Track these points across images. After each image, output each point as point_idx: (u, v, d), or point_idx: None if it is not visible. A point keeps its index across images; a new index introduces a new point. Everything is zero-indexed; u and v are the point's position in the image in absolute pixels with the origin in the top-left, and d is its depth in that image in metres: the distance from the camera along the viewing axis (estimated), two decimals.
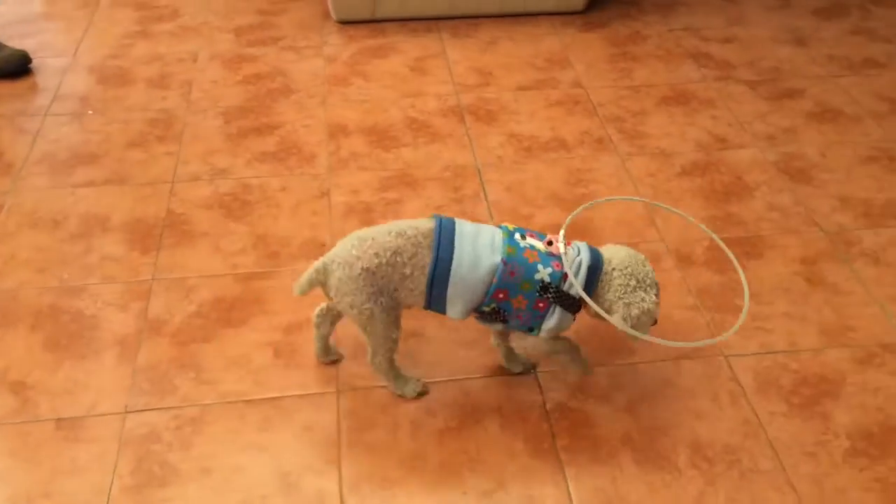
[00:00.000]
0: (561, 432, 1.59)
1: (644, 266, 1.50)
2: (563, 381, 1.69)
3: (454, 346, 1.76)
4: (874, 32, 2.96)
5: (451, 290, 1.48)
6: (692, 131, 2.46)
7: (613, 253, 1.51)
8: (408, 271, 1.47)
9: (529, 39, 2.92)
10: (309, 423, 1.60)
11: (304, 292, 1.55)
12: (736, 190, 2.22)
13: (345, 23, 3.01)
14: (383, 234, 1.48)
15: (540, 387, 1.68)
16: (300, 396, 1.66)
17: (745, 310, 1.48)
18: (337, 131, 2.45)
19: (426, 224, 1.50)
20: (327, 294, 1.55)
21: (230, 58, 2.82)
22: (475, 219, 2.10)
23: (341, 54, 2.84)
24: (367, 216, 2.11)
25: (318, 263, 1.52)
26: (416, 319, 1.82)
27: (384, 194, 2.19)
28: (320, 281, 1.53)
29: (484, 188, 2.22)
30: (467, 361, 1.73)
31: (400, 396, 1.66)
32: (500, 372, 1.71)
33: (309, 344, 1.75)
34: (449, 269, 1.46)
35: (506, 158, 2.34)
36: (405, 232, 1.48)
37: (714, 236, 1.65)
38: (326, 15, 3.07)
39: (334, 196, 2.19)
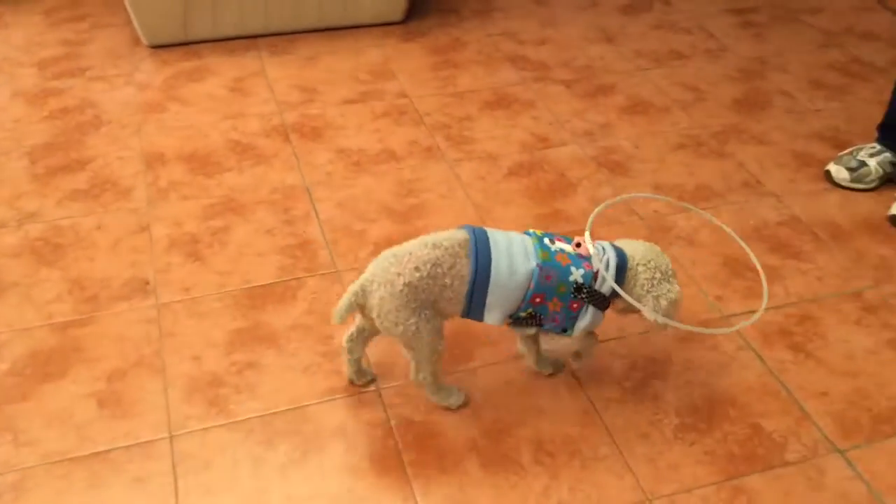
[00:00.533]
0: (407, 447, 1.58)
1: (663, 258, 1.56)
2: (406, 396, 1.68)
3: (293, 373, 1.72)
4: (676, 25, 3.15)
5: (491, 298, 1.50)
6: (516, 133, 2.53)
7: (634, 248, 1.56)
8: (448, 281, 1.48)
9: (351, 52, 2.90)
10: (141, 473, 1.51)
11: (343, 319, 1.52)
12: (560, 187, 2.30)
13: (156, 47, 2.88)
14: (420, 248, 1.49)
15: (383, 403, 1.66)
16: (130, 447, 1.56)
17: (764, 299, 1.56)
18: (154, 161, 2.34)
19: (459, 234, 1.52)
20: (367, 316, 1.53)
21: (34, 93, 2.64)
22: (307, 240, 2.07)
23: (154, 80, 2.72)
24: (192, 247, 2.03)
25: (354, 287, 1.51)
26: (251, 351, 1.76)
27: (210, 223, 2.11)
28: (359, 304, 1.51)
29: (315, 207, 2.18)
30: (307, 387, 1.69)
31: (446, 408, 1.64)
32: (343, 393, 1.68)
33: (135, 390, 1.65)
34: (488, 277, 1.48)
35: (335, 175, 2.31)
36: (441, 243, 1.49)
37: (734, 235, 1.68)
38: (136, 40, 2.93)
39: (155, 230, 2.09)
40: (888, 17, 3.23)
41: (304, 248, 2.05)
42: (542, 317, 1.53)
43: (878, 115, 2.50)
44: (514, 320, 1.56)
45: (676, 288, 1.54)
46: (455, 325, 1.83)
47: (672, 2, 3.32)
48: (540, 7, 3.28)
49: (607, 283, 1.51)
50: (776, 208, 2.22)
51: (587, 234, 1.54)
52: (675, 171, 2.36)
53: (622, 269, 1.52)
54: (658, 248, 1.58)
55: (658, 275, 1.53)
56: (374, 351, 1.74)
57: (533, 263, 1.49)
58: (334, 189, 2.25)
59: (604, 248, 1.54)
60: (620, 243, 1.58)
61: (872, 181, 2.26)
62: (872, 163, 2.27)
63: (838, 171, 2.29)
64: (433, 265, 1.47)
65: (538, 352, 1.71)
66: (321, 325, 1.83)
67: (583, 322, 1.54)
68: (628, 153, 2.44)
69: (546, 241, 1.54)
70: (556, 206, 2.22)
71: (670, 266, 1.56)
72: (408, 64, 2.85)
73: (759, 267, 1.62)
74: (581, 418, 1.64)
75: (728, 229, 1.71)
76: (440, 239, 1.50)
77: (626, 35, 3.08)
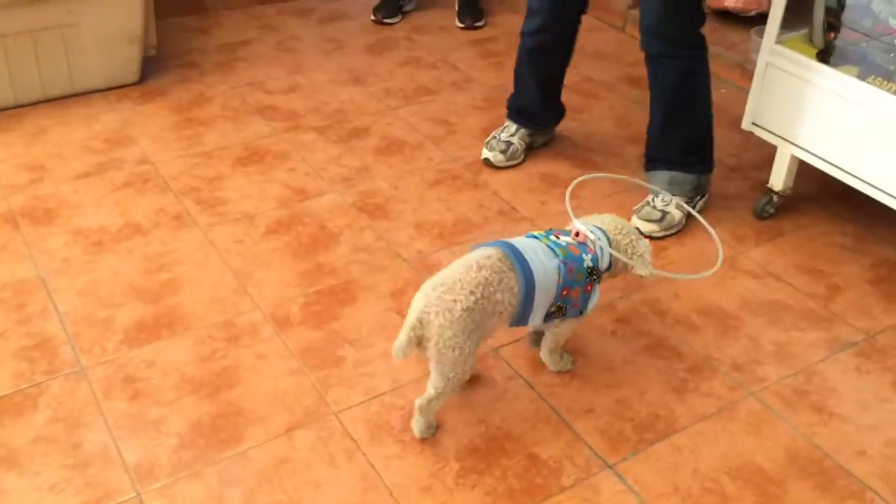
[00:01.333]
0: None
1: (623, 221, 1.78)
2: (168, 498, 1.54)
3: (38, 494, 1.53)
4: (422, 61, 3.21)
5: (537, 301, 1.63)
6: (271, 188, 2.45)
7: (603, 222, 1.76)
8: (500, 297, 1.58)
9: (83, 121, 2.69)
10: None
11: (406, 355, 1.54)
12: (322, 239, 2.25)
13: None
14: (466, 272, 1.57)
15: None
16: None
17: (719, 255, 1.76)
18: None
19: (492, 251, 1.62)
20: (423, 347, 1.56)
21: None
22: (45, 338, 1.87)
23: None
24: None
25: (410, 321, 1.54)
26: None
27: None
28: (417, 336, 1.54)
29: (52, 299, 1.98)
30: None
31: (421, 438, 1.67)
32: None
33: None
34: (535, 283, 1.61)
35: (73, 260, 2.11)
36: (483, 264, 1.59)
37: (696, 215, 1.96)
38: None
39: None
40: (614, 34, 3.48)
41: (43, 348, 1.85)
42: (567, 307, 1.69)
43: (612, 129, 2.67)
44: (546, 317, 1.68)
45: (645, 241, 1.77)
46: (220, 406, 1.72)
47: (415, 38, 3.39)
48: (285, 54, 3.22)
49: (605, 259, 1.71)
50: None
51: (576, 222, 1.72)
52: (434, 208, 2.39)
53: (609, 243, 1.72)
54: (615, 216, 1.79)
55: (632, 236, 1.75)
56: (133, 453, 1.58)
57: (557, 260, 1.65)
58: (73, 276, 2.06)
59: (591, 231, 1.71)
60: (589, 220, 1.76)
61: (520, 154, 2.60)
62: (516, 140, 2.59)
63: (495, 156, 2.56)
64: (485, 286, 1.57)
65: (550, 350, 1.81)
66: (68, 434, 1.65)
67: (593, 300, 1.72)
68: (388, 195, 2.44)
69: (552, 237, 1.70)
70: (319, 260, 2.16)
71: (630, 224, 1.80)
72: (148, 127, 2.69)
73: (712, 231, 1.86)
74: (362, 484, 1.59)
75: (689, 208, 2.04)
76: (478, 259, 1.60)
77: (375, 75, 3.09)
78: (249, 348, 1.89)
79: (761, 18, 2.13)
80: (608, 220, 1.77)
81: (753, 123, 2.31)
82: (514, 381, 1.83)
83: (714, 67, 3.06)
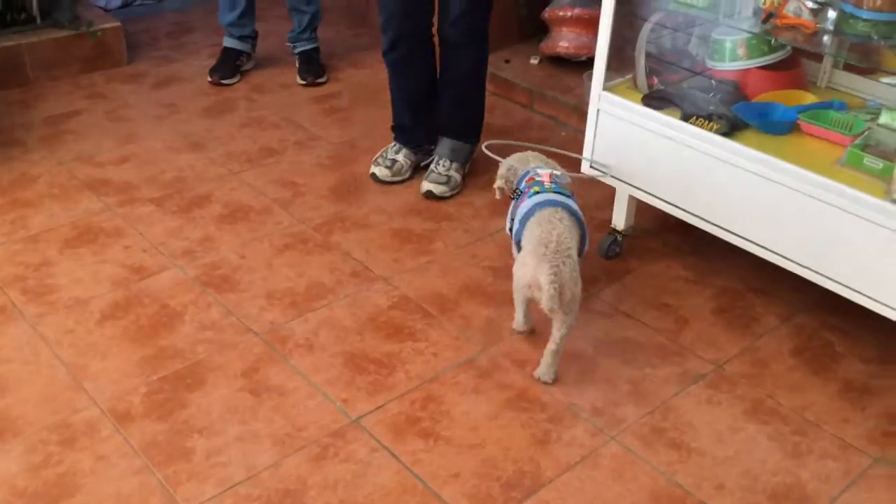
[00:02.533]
0: None
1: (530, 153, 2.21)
2: None
3: None
4: (264, 121, 3.13)
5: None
6: (106, 269, 2.29)
7: (535, 159, 2.18)
8: (572, 243, 1.91)
9: None
10: None
11: (527, 323, 2.07)
12: (164, 320, 2.11)
13: None
14: (554, 229, 1.88)
15: None
16: None
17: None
18: None
19: (552, 209, 1.93)
20: (549, 301, 1.79)
21: None
22: None
23: None
24: None
25: (546, 284, 1.79)
26: None
27: None
28: (559, 287, 1.80)
29: None
30: None
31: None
32: None
33: None
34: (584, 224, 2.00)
35: None
36: (561, 217, 1.92)
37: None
38: None
39: None
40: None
41: None
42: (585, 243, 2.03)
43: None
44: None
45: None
46: None
47: (256, 98, 3.31)
48: (115, 122, 3.06)
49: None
50: (386, 292, 2.25)
51: (539, 169, 2.08)
52: (285, 275, 2.30)
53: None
54: (526, 153, 2.21)
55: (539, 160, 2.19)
56: None
57: (573, 203, 2.01)
58: None
59: (553, 170, 2.09)
60: (518, 161, 2.17)
61: (406, 171, 2.75)
62: (400, 157, 2.75)
63: (381, 171, 2.73)
64: (570, 235, 1.89)
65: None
66: None
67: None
68: (234, 265, 2.34)
69: (548, 186, 2.02)
70: (161, 344, 2.03)
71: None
72: None
73: None
74: None
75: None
76: (553, 219, 1.90)
77: (214, 139, 2.98)
78: (87, 450, 1.74)
79: (592, 63, 2.28)
80: (532, 157, 2.17)
81: (591, 166, 2.37)
82: (377, 452, 1.76)
83: (552, 111, 3.18)
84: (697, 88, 2.27)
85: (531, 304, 1.99)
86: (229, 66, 3.40)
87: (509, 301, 2.06)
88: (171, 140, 2.96)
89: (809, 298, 2.20)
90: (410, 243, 2.46)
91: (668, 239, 2.48)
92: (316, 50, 3.49)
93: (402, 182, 2.73)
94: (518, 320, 2.06)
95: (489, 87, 3.39)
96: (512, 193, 2.13)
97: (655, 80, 2.28)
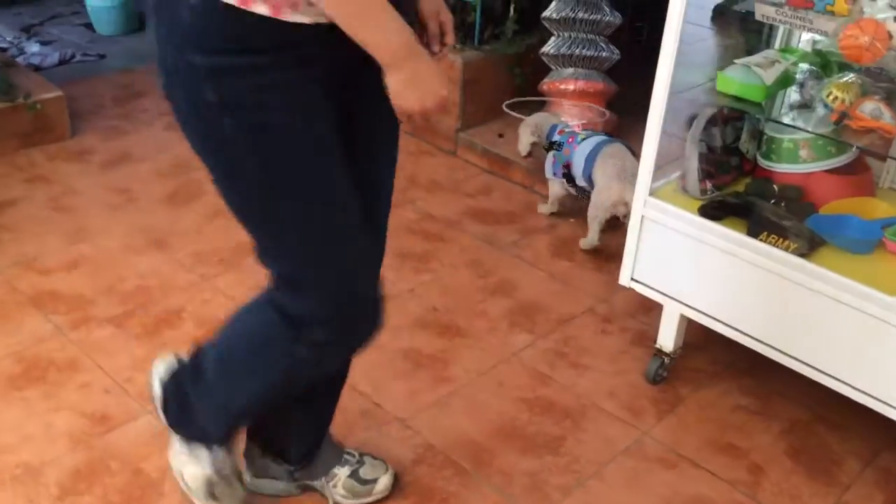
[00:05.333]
0: None
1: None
2: None
3: None
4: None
5: None
6: (61, 420, 1.87)
7: (547, 118, 2.75)
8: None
9: None
10: None
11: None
12: (136, 492, 1.71)
13: None
14: (626, 157, 2.44)
15: None
16: None
17: None
18: None
19: (613, 144, 2.49)
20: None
21: None
22: None
23: None
24: None
25: (620, 209, 2.39)
26: None
27: None
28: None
29: None
30: None
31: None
32: None
33: None
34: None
35: None
36: (624, 148, 2.48)
37: None
38: None
39: None
40: (445, 158, 3.19)
41: None
42: None
43: (469, 279, 2.35)
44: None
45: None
46: None
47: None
48: (60, 214, 2.62)
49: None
50: (405, 439, 1.89)
51: (562, 123, 2.67)
52: None
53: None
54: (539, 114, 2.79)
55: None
56: None
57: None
58: None
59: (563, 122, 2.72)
60: (548, 119, 2.72)
61: None
62: None
63: None
64: (634, 164, 2.32)
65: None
66: None
67: None
68: None
69: (584, 133, 2.59)
70: None
71: None
72: None
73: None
74: None
75: None
76: (619, 151, 2.46)
77: (181, 234, 2.57)
78: None
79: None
80: (546, 116, 2.76)
81: (633, 279, 2.07)
82: None
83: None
84: (757, 194, 2.00)
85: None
86: None
87: (551, 443, 1.73)
88: (129, 237, 2.54)
89: (891, 435, 1.93)
90: (423, 369, 2.11)
91: (717, 355, 2.19)
92: None
93: None
94: (593, 239, 2.49)
95: (482, 163, 3.09)
96: (547, 145, 2.63)
97: (708, 185, 2.00)
